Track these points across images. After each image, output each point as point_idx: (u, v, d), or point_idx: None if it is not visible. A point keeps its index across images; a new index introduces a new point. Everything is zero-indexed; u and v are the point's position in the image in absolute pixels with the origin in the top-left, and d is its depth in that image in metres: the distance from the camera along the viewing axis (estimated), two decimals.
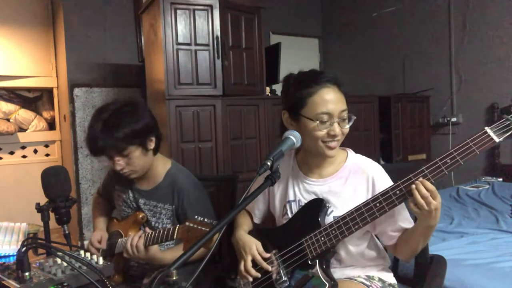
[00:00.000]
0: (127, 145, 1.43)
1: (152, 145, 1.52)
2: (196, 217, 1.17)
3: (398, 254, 1.26)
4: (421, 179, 1.07)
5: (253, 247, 1.27)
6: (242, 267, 1.26)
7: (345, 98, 1.24)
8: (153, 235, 1.36)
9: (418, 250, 1.20)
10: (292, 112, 1.26)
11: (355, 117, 1.23)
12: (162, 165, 1.60)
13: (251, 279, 1.25)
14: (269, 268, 1.23)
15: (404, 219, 1.21)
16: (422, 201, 1.05)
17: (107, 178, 1.76)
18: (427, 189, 1.05)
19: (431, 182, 1.06)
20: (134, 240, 1.40)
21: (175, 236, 1.25)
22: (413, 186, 1.07)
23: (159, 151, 1.59)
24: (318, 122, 1.18)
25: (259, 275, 1.24)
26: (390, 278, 1.31)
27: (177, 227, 1.24)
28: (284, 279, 1.20)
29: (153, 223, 1.57)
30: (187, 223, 1.17)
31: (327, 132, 1.19)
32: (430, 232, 1.15)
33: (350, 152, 1.32)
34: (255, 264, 1.25)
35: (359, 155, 1.32)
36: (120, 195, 1.65)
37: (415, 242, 1.17)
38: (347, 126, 1.22)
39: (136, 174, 1.52)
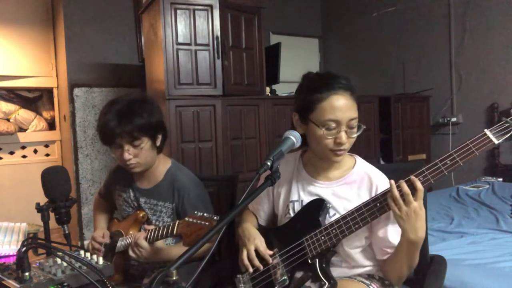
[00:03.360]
0: (141, 135, 1.45)
1: (159, 142, 1.54)
2: (196, 212, 1.18)
3: (386, 272, 1.24)
4: (400, 181, 1.09)
5: (258, 239, 1.28)
6: (244, 256, 1.25)
7: (357, 105, 1.23)
8: (154, 232, 1.36)
9: (403, 272, 1.19)
10: (302, 115, 1.25)
11: (365, 127, 1.22)
12: (162, 164, 1.61)
13: (251, 269, 1.24)
14: (270, 260, 1.24)
15: (395, 236, 1.19)
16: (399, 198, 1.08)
17: (108, 178, 1.77)
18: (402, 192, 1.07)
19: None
20: (133, 240, 1.40)
21: (175, 232, 1.25)
22: (392, 182, 1.10)
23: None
24: (324, 129, 1.17)
25: (261, 266, 1.24)
26: None
27: (177, 223, 1.25)
28: (284, 278, 1.20)
29: (153, 221, 1.57)
30: (186, 218, 1.18)
31: (334, 140, 1.18)
32: (414, 250, 1.13)
33: (358, 159, 1.32)
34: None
35: (367, 163, 1.32)
36: (121, 194, 1.66)
37: (399, 261, 1.16)
38: (355, 135, 1.21)
39: (140, 168, 1.52)
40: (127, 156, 1.46)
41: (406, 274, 1.20)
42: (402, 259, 1.15)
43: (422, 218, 1.08)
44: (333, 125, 1.17)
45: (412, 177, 1.08)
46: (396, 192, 1.08)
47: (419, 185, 1.07)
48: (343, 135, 1.17)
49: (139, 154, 1.47)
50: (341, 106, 1.17)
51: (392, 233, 1.18)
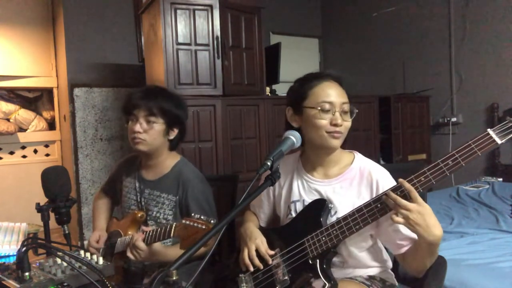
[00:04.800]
0: (158, 115, 1.52)
1: (172, 135, 1.59)
2: (193, 214, 1.20)
3: (407, 265, 1.20)
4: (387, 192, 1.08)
5: (259, 238, 1.28)
6: (245, 255, 1.26)
7: (347, 95, 1.26)
8: (151, 234, 1.37)
9: (426, 265, 1.14)
10: (296, 107, 1.28)
11: (357, 110, 1.26)
12: (171, 159, 1.64)
13: (251, 268, 1.25)
14: (270, 260, 1.24)
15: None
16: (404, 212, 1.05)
17: (116, 169, 1.80)
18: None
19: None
20: (131, 242, 1.40)
21: (172, 234, 1.26)
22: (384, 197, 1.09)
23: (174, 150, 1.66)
24: (319, 109, 1.21)
25: (261, 266, 1.24)
26: (391, 279, 1.32)
27: (174, 225, 1.25)
28: (285, 278, 1.20)
29: (154, 213, 1.58)
30: (183, 221, 1.19)
31: (330, 122, 1.20)
32: (434, 248, 1.09)
33: (357, 155, 1.32)
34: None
35: (366, 159, 1.31)
36: (126, 184, 1.69)
37: (421, 256, 1.12)
38: (349, 119, 1.24)
39: (144, 146, 1.54)
40: (137, 127, 1.51)
41: (428, 266, 1.16)
42: (424, 256, 1.11)
43: (430, 215, 1.03)
44: (327, 106, 1.21)
45: (400, 179, 1.07)
46: (390, 202, 1.07)
47: (406, 185, 1.04)
48: (338, 116, 1.21)
49: (148, 131, 1.52)
50: (333, 91, 1.23)
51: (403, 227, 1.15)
